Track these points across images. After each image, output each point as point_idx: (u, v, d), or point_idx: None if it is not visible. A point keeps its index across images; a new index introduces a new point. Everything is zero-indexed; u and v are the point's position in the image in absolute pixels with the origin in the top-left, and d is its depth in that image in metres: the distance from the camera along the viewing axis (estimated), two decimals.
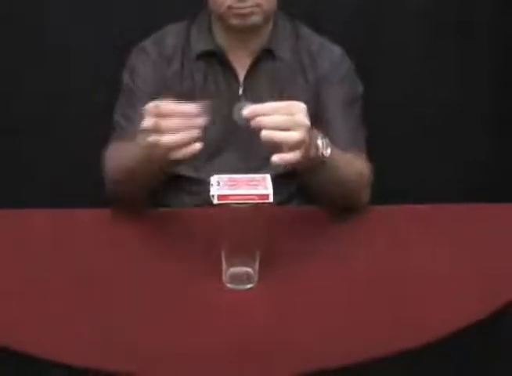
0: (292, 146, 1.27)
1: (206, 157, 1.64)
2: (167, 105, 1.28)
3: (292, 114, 1.27)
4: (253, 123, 1.26)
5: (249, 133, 1.27)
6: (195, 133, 1.26)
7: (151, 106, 1.28)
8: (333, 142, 1.44)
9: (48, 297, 1.27)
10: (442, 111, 2.15)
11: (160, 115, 1.27)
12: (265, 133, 1.25)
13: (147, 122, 1.28)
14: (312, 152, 1.35)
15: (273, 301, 1.28)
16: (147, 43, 1.70)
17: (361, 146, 1.65)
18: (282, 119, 1.26)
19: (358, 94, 1.70)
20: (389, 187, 1.78)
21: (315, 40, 1.70)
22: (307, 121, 1.28)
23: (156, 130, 1.27)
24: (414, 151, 2.17)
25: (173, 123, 1.26)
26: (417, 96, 2.14)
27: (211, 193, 1.25)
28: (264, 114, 1.26)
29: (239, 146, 1.67)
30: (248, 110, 1.26)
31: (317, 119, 1.49)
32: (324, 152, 1.39)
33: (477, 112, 2.18)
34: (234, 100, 1.59)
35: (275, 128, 1.26)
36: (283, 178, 1.53)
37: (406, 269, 1.36)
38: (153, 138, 1.27)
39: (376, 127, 1.71)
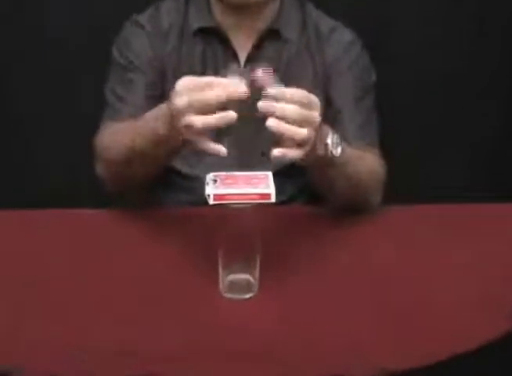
0: (297, 143, 1.17)
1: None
2: (203, 79, 1.17)
3: (308, 109, 1.17)
4: (263, 106, 1.15)
5: (251, 123, 1.16)
6: (233, 115, 1.15)
7: (185, 81, 1.17)
8: (342, 135, 1.37)
9: (47, 296, 1.21)
10: None
11: (196, 90, 1.16)
12: (272, 122, 1.15)
13: (179, 101, 1.16)
14: (320, 150, 1.26)
15: (276, 311, 1.18)
16: (141, 17, 1.58)
17: (373, 141, 1.55)
18: (296, 112, 1.16)
19: (371, 83, 1.60)
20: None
21: (325, 22, 1.59)
22: (318, 119, 1.19)
23: (192, 110, 1.16)
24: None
25: (212, 98, 1.15)
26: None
27: (206, 192, 1.15)
28: (282, 99, 1.15)
29: (239, 138, 1.53)
30: (268, 90, 1.15)
31: (326, 109, 1.43)
32: (334, 151, 1.29)
33: None
34: None
35: (286, 119, 1.15)
36: (285, 176, 1.46)
37: (420, 275, 1.28)
38: (187, 119, 1.16)
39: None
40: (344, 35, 1.58)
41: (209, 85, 1.16)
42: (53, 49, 1.99)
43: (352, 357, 1.07)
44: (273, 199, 1.15)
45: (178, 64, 1.54)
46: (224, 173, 1.18)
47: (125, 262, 1.29)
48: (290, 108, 1.15)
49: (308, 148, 1.18)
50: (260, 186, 1.15)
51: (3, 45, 1.99)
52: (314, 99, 1.18)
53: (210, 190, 1.14)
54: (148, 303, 1.18)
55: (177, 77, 1.50)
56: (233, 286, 1.20)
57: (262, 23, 1.54)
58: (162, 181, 1.56)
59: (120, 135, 1.40)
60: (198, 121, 1.15)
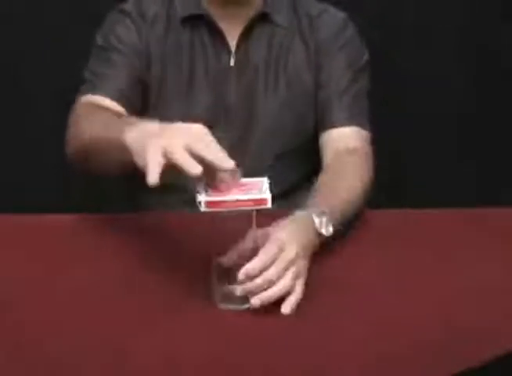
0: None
1: None
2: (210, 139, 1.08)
3: (281, 257, 1.12)
4: (244, 292, 1.11)
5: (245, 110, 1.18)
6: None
7: (196, 128, 1.09)
8: (333, 116, 1.47)
9: (23, 309, 1.13)
10: None
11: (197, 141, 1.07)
12: (257, 302, 1.11)
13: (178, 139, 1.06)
14: (315, 243, 1.22)
15: (275, 324, 1.10)
16: (126, 5, 1.54)
17: (363, 123, 1.52)
18: (271, 275, 1.11)
19: (363, 64, 1.56)
20: None
21: (315, 5, 1.57)
22: (292, 256, 1.13)
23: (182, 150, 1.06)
24: None
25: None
26: None
27: (198, 199, 1.08)
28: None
29: (232, 127, 1.51)
30: (242, 275, 1.09)
31: (318, 92, 1.51)
32: (325, 232, 1.23)
33: None
34: (224, 72, 1.49)
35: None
36: (287, 162, 1.45)
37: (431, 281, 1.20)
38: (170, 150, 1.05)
39: None
40: (336, 16, 1.56)
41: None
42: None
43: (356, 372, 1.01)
44: (269, 205, 1.08)
45: (165, 52, 1.50)
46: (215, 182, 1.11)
47: (111, 271, 1.22)
48: (267, 275, 1.10)
49: (303, 275, 1.15)
50: (254, 191, 1.09)
51: None
52: (273, 241, 1.12)
53: (202, 197, 1.08)
54: (135, 315, 1.11)
55: (163, 65, 1.44)
56: (229, 295, 1.12)
57: (252, 8, 1.51)
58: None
59: (97, 123, 1.31)
60: (182, 157, 1.04)
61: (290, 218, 1.21)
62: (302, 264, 1.15)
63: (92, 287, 1.18)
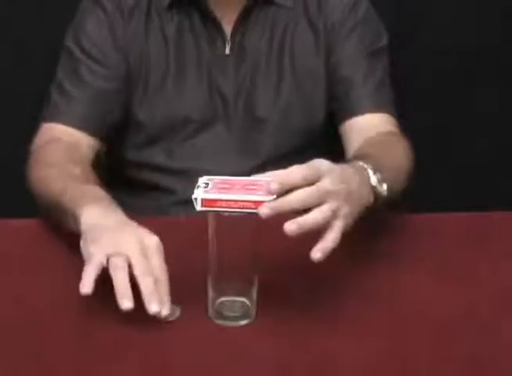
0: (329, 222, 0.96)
1: (182, 136, 1.37)
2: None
3: (317, 180, 0.96)
4: (270, 210, 0.93)
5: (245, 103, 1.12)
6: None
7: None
8: (357, 103, 1.36)
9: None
10: None
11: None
12: (289, 230, 0.93)
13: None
14: (370, 199, 1.05)
15: (276, 342, 0.99)
16: None
17: (389, 109, 1.41)
18: (306, 193, 0.94)
19: (382, 46, 1.44)
20: None
21: None
22: (330, 186, 0.96)
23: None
24: None
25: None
26: None
27: (194, 195, 0.96)
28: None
29: (227, 122, 1.39)
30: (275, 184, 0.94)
31: (331, 79, 1.40)
32: (382, 190, 1.08)
33: None
34: (219, 61, 1.38)
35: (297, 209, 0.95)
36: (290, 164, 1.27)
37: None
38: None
39: None
40: None
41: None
42: None
43: None
44: None
45: (147, 45, 1.37)
46: (220, 177, 0.99)
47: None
48: (298, 195, 0.94)
49: (345, 216, 0.97)
50: (258, 192, 0.95)
51: None
52: (317, 164, 0.98)
53: (199, 194, 0.96)
54: (121, 330, 1.00)
55: (144, 58, 1.36)
56: (225, 310, 1.01)
57: None
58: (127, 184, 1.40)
59: (54, 182, 1.22)
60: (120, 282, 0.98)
61: (347, 163, 1.07)
62: (347, 209, 0.97)
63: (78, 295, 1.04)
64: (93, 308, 1.03)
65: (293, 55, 1.38)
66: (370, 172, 1.07)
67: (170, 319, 1.00)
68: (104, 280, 1.01)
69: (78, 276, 1.02)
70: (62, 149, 1.29)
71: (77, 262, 1.11)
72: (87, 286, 0.97)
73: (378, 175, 1.07)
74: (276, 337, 1.00)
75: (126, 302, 0.96)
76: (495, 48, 1.95)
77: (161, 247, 1.01)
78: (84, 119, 1.34)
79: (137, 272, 0.98)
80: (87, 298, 1.01)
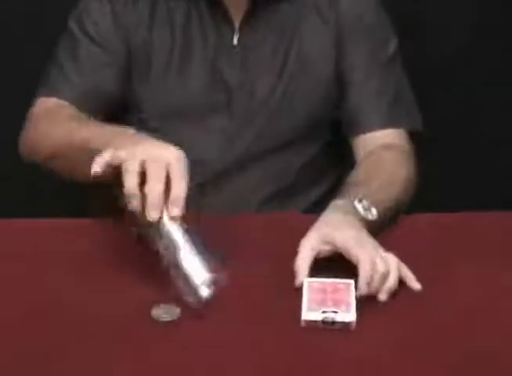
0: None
1: (184, 123, 1.38)
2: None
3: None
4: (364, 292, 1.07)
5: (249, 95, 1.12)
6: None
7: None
8: (364, 117, 1.36)
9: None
10: None
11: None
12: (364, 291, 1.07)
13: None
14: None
15: (279, 342, 0.98)
16: None
17: (403, 122, 1.40)
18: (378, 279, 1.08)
19: (395, 48, 1.42)
20: None
21: None
22: (366, 256, 1.09)
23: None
24: None
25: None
26: None
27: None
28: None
29: (229, 110, 1.38)
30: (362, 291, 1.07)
31: (341, 78, 1.38)
32: (370, 216, 1.18)
33: None
34: (226, 51, 1.37)
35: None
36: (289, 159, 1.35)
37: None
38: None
39: None
40: None
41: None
42: None
43: None
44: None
45: (151, 32, 1.37)
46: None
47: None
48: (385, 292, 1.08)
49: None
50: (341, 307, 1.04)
51: None
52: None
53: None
54: (121, 330, 1.00)
55: (148, 48, 1.36)
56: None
57: None
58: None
59: (58, 130, 1.27)
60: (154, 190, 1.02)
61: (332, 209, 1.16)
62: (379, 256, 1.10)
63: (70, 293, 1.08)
64: (94, 308, 1.04)
65: (302, 52, 1.37)
66: (357, 206, 1.16)
67: (170, 319, 1.00)
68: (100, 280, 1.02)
69: (80, 276, 1.03)
70: (62, 113, 1.32)
71: (80, 263, 1.13)
72: (98, 166, 1.02)
73: (364, 202, 1.17)
74: (277, 337, 1.00)
75: (154, 213, 1.00)
76: (496, 48, 1.95)
77: (184, 160, 1.04)
78: (81, 98, 1.34)
79: (148, 177, 1.01)
80: (88, 297, 1.02)
